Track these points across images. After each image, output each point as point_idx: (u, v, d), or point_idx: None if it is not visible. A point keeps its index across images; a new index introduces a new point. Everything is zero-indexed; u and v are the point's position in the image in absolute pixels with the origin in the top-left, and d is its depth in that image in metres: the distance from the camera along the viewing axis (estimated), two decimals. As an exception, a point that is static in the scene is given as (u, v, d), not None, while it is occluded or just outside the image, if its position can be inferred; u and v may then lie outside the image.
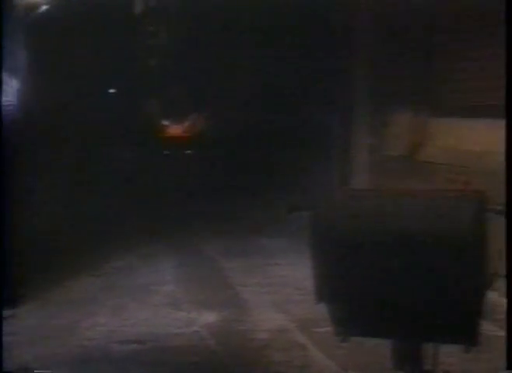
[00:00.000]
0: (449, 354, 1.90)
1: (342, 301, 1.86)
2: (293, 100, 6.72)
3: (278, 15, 6.51)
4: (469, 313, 1.83)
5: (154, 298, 4.14)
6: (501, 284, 3.92)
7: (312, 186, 6.13)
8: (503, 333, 3.38)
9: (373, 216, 1.75)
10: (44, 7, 4.72)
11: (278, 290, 4.26)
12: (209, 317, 3.76)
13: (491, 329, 3.47)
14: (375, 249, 1.76)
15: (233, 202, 6.91)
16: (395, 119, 5.19)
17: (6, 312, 3.38)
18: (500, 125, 4.17)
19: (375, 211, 1.76)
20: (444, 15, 4.66)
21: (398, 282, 1.77)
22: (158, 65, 10.23)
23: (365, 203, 1.79)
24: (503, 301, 3.81)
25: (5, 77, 3.84)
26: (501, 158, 4.09)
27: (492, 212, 1.77)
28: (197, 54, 8.55)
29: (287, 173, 6.69)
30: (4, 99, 3.82)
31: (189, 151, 9.04)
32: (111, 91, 9.12)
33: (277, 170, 6.85)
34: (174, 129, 9.49)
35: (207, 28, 8.09)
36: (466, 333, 1.87)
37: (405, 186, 4.95)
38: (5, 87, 3.83)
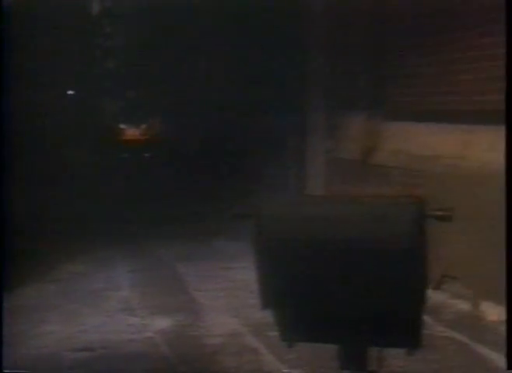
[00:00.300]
0: (396, 355, 1.93)
1: (287, 307, 1.86)
2: (248, 104, 6.74)
3: (235, 18, 6.52)
4: (411, 317, 1.85)
5: (108, 304, 4.09)
6: (452, 285, 4.02)
7: (268, 189, 6.17)
8: (451, 334, 3.48)
9: (315, 222, 1.77)
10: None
11: (233, 294, 4.25)
12: (163, 323, 3.73)
13: (440, 330, 3.55)
14: (317, 254, 1.77)
15: (189, 206, 6.89)
16: (349, 122, 5.25)
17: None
18: (450, 129, 4.30)
19: (317, 217, 1.77)
20: (397, 18, 4.74)
21: (341, 287, 1.78)
22: (115, 67, 10.11)
23: (307, 209, 1.80)
24: (453, 302, 3.92)
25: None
26: (450, 161, 4.21)
27: (432, 217, 1.80)
28: (155, 56, 8.49)
29: (243, 176, 6.70)
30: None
31: (147, 154, 8.98)
32: (69, 93, 8.96)
33: (233, 173, 6.86)
34: (132, 132, 9.40)
35: (166, 29, 8.05)
36: (408, 337, 1.89)
37: (359, 190, 5.02)
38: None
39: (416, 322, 1.89)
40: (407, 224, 1.70)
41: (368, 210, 1.75)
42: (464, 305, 3.80)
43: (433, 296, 4.05)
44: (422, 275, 1.78)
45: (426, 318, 3.85)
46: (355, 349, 1.91)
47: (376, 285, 1.75)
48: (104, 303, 4.11)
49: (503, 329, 3.47)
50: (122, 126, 9.64)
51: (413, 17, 4.53)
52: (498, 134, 3.90)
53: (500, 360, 3.08)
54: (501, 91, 3.79)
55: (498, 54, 3.81)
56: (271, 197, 1.86)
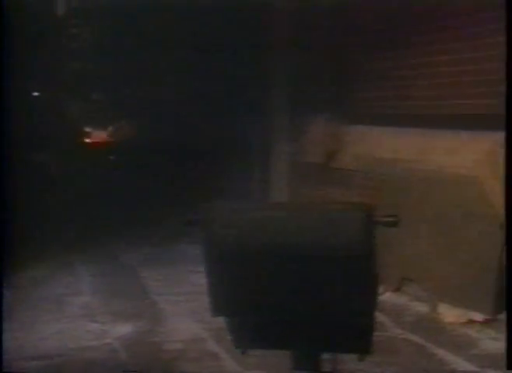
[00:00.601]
0: (355, 357, 1.94)
1: (238, 314, 1.85)
2: (213, 107, 6.72)
3: (199, 18, 6.50)
4: (361, 322, 1.86)
5: (68, 310, 4.02)
6: (411, 288, 4.06)
7: (233, 191, 6.16)
8: (409, 336, 3.51)
9: (265, 228, 1.76)
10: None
11: (196, 298, 4.22)
12: (123, 328, 3.68)
13: (399, 333, 3.58)
14: (268, 261, 1.76)
15: (154, 209, 6.83)
16: (312, 127, 5.27)
17: None
18: (409, 133, 4.34)
19: (266, 223, 1.77)
20: (360, 21, 4.77)
21: (291, 294, 1.78)
22: (81, 69, 9.96)
23: (257, 215, 1.80)
24: (412, 304, 3.96)
25: None
26: (409, 165, 4.25)
27: (380, 224, 1.81)
28: (122, 58, 8.39)
29: (208, 179, 6.67)
30: None
31: (112, 157, 8.86)
32: (35, 94, 8.80)
33: (198, 177, 6.82)
34: (97, 134, 9.26)
35: (132, 31, 7.96)
36: (359, 343, 1.90)
37: (322, 193, 5.05)
38: None
39: (367, 328, 1.90)
40: (356, 230, 1.71)
41: (317, 216, 1.75)
42: (422, 308, 3.84)
43: (393, 298, 4.09)
44: (371, 280, 1.79)
45: (386, 320, 3.89)
46: (307, 354, 1.91)
47: (326, 291, 1.75)
48: (64, 309, 4.04)
49: (460, 330, 3.54)
50: (88, 128, 9.48)
51: (376, 20, 4.57)
52: (453, 139, 3.97)
53: (456, 361, 3.13)
54: (457, 96, 3.87)
55: (457, 60, 3.88)
56: (222, 203, 1.84)
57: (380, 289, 4.09)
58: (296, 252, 1.73)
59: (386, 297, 4.05)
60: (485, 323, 3.45)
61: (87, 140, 9.31)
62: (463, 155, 3.70)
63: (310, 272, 1.74)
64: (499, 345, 3.24)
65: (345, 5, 4.72)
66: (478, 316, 3.46)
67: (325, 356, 1.95)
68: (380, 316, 3.81)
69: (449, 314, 3.57)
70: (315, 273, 1.74)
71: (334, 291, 1.76)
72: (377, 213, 1.80)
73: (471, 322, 3.48)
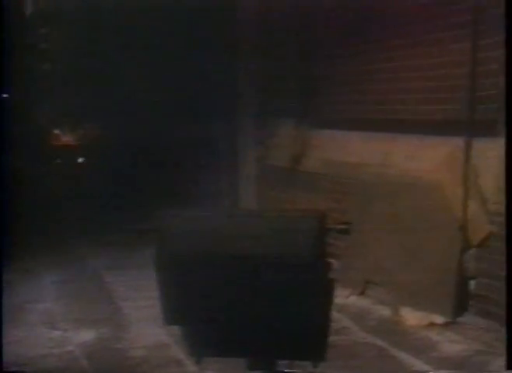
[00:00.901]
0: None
1: (190, 323, 1.84)
2: (181, 111, 6.69)
3: (167, 21, 6.46)
4: (314, 330, 1.86)
5: (29, 317, 3.95)
6: (375, 292, 4.08)
7: (200, 197, 6.13)
8: (372, 340, 3.53)
9: (218, 237, 1.75)
10: None
11: (161, 303, 4.18)
12: (86, 335, 3.63)
13: (362, 336, 3.60)
14: (220, 269, 1.75)
15: (121, 212, 6.75)
16: (279, 130, 5.28)
17: None
18: (374, 138, 4.37)
19: (220, 232, 1.76)
20: (326, 25, 4.80)
21: (243, 302, 1.77)
22: (50, 70, 9.82)
23: (209, 224, 1.79)
24: (376, 308, 3.98)
25: None
26: (374, 169, 4.28)
27: (334, 231, 1.82)
28: (91, 59, 8.30)
29: (177, 183, 6.63)
30: None
31: (81, 160, 8.76)
32: (3, 96, 8.65)
33: (166, 180, 6.78)
34: (66, 137, 9.15)
35: (101, 32, 7.88)
36: (313, 349, 1.90)
37: (290, 197, 5.05)
38: None
39: (320, 334, 1.90)
40: (307, 237, 1.71)
41: (270, 224, 1.75)
42: (385, 311, 3.87)
43: (357, 302, 4.11)
44: (323, 287, 1.79)
45: (350, 324, 3.90)
46: (261, 361, 1.91)
47: (279, 298, 1.75)
48: (26, 316, 3.96)
49: (421, 333, 3.57)
50: (57, 131, 9.35)
51: (340, 25, 4.60)
52: (416, 143, 4.01)
53: (418, 364, 3.15)
54: (420, 101, 3.91)
55: (420, 66, 3.92)
56: (174, 212, 1.83)
57: (345, 293, 4.11)
58: (248, 260, 1.73)
59: (350, 300, 4.06)
60: (446, 326, 3.49)
61: (56, 143, 9.20)
62: (425, 159, 3.74)
63: (262, 279, 1.74)
64: (458, 347, 3.28)
65: (311, 11, 4.74)
66: (439, 319, 3.49)
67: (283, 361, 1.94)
68: (344, 320, 3.83)
69: (411, 317, 3.60)
70: (268, 281, 1.74)
71: (288, 298, 1.76)
72: (330, 220, 1.81)
73: (432, 324, 3.51)
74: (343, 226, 1.79)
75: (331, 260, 1.90)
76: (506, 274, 2.28)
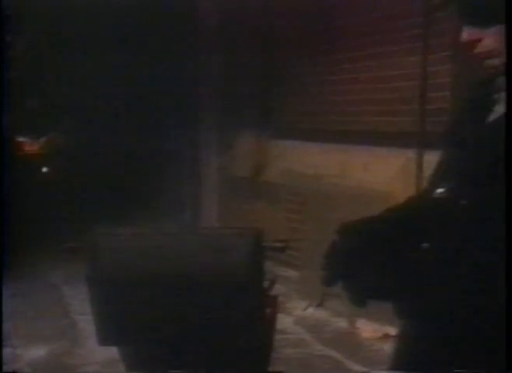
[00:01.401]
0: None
1: (125, 343, 1.80)
2: (143, 121, 6.65)
3: (132, 34, 6.43)
4: (252, 348, 1.83)
5: (-21, 334, 3.85)
6: (333, 303, 4.08)
7: (163, 208, 6.08)
8: (328, 352, 3.52)
9: (151, 255, 1.72)
10: None
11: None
12: (38, 351, 3.56)
13: (319, 349, 3.59)
14: (153, 289, 1.72)
15: (85, 223, 6.66)
16: (240, 141, 5.27)
17: None
18: (332, 149, 4.39)
19: (152, 250, 1.73)
20: (286, 35, 4.81)
21: (179, 322, 1.74)
22: (16, 78, 9.68)
23: (144, 242, 1.75)
24: (333, 320, 3.98)
25: None
26: (332, 180, 4.29)
27: (269, 249, 1.79)
28: (55, 66, 8.21)
29: (141, 192, 6.57)
30: None
31: (45, 169, 8.63)
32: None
33: (130, 191, 6.71)
34: (30, 146, 9.00)
35: (66, 38, 7.81)
36: (254, 367, 1.88)
37: (250, 207, 5.04)
38: None
39: (261, 351, 1.87)
40: (243, 255, 1.69)
41: (204, 242, 1.72)
42: (342, 323, 3.87)
43: (315, 314, 4.11)
44: (259, 306, 1.77)
45: (307, 336, 3.89)
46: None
47: (214, 318, 1.72)
48: (-24, 333, 3.87)
49: (377, 345, 3.57)
50: (20, 139, 9.20)
51: (301, 36, 4.61)
52: (371, 155, 4.03)
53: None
54: (375, 113, 3.93)
55: (374, 78, 3.95)
56: (108, 229, 1.79)
57: (303, 305, 4.10)
58: (182, 279, 1.70)
59: (308, 313, 4.06)
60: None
61: (19, 151, 9.04)
62: (380, 171, 3.75)
63: (197, 298, 1.71)
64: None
65: (270, 25, 4.75)
66: (393, 330, 3.50)
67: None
68: (301, 332, 3.82)
69: (366, 329, 3.60)
70: (203, 300, 1.71)
71: (223, 316, 1.73)
72: (266, 238, 1.79)
73: (386, 336, 3.52)
74: (280, 244, 1.77)
75: (275, 276, 1.89)
76: (506, 274, 2.28)
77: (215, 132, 5.61)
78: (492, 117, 1.28)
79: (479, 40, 1.27)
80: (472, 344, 1.25)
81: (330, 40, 4.20)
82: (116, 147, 6.95)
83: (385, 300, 1.37)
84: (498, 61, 1.26)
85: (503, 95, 1.27)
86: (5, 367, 3.40)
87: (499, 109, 1.26)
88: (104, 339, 1.80)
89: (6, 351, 3.57)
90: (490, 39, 1.26)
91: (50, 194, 7.79)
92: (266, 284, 1.96)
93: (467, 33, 1.27)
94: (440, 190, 1.32)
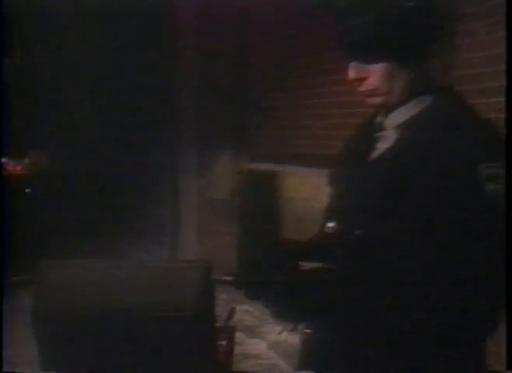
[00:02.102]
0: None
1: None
2: (126, 142, 6.66)
3: (114, 54, 6.45)
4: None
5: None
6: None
7: (144, 228, 6.05)
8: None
9: (99, 288, 1.68)
10: None
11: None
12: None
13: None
14: (100, 323, 1.68)
15: (69, 242, 6.61)
16: (219, 164, 5.27)
17: None
18: (306, 172, 4.38)
19: (102, 283, 1.69)
20: (260, 60, 4.84)
21: (125, 358, 1.71)
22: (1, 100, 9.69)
23: (91, 275, 1.72)
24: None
25: None
26: (307, 203, 4.28)
27: (220, 283, 1.77)
28: (38, 86, 8.23)
29: (122, 213, 6.56)
30: None
31: (28, 190, 8.57)
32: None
33: (109, 212, 6.69)
34: (12, 166, 8.96)
35: (52, 62, 7.83)
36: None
37: (227, 229, 5.01)
38: None
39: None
40: (192, 289, 1.66)
41: (154, 275, 1.70)
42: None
43: (289, 338, 4.05)
44: (208, 340, 1.74)
45: (280, 362, 3.83)
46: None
47: (164, 352, 1.69)
48: None
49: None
50: (3, 159, 9.16)
51: (274, 60, 4.65)
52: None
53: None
54: (339, 137, 3.94)
55: (352, 102, 3.96)
56: (55, 262, 1.76)
57: (277, 329, 4.05)
58: (130, 313, 1.67)
59: (282, 337, 4.00)
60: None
61: (2, 172, 9.00)
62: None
63: (145, 333, 1.68)
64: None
65: (248, 60, 4.79)
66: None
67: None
68: (274, 357, 3.78)
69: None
70: (151, 334, 1.68)
71: (171, 352, 1.70)
72: (216, 271, 1.76)
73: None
74: (229, 278, 1.75)
75: (233, 307, 1.86)
76: (506, 273, 2.27)
77: (195, 154, 5.62)
78: (375, 154, 1.30)
79: (365, 79, 1.27)
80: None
81: (301, 64, 4.22)
82: (96, 167, 6.95)
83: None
84: (380, 100, 1.28)
85: (384, 132, 1.30)
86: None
87: (383, 145, 1.29)
88: (47, 369, 1.76)
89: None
90: (375, 77, 1.26)
91: (31, 214, 7.76)
92: (224, 315, 1.93)
93: (353, 71, 1.28)
94: (331, 224, 1.38)
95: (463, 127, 1.22)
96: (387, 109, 1.29)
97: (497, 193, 1.16)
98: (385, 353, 1.29)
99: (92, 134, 7.19)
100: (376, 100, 1.29)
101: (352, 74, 1.28)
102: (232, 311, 2.02)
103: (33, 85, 8.45)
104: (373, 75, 1.26)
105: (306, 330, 1.62)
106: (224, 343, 1.91)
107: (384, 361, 1.30)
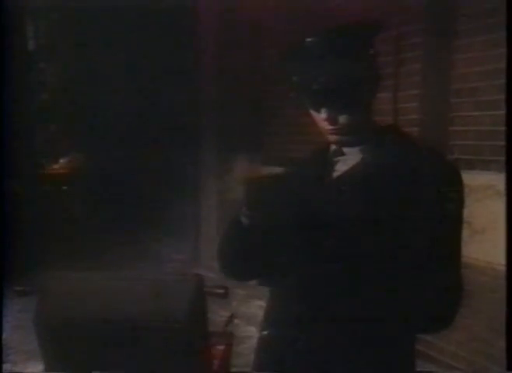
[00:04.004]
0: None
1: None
2: (157, 147, 6.74)
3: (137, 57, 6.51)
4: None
5: (-15, 349, 3.84)
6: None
7: (168, 227, 6.09)
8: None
9: (95, 299, 1.67)
10: None
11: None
12: (35, 368, 3.53)
13: None
14: (97, 333, 1.68)
15: (103, 238, 6.68)
16: (235, 166, 5.27)
17: None
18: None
19: (97, 294, 1.68)
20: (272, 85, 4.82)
21: (118, 362, 1.70)
22: (45, 102, 9.85)
23: (88, 286, 1.71)
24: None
25: None
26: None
27: (210, 295, 1.74)
28: (79, 91, 8.35)
29: (145, 214, 6.61)
30: None
31: (65, 187, 8.75)
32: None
33: (136, 210, 6.76)
34: (51, 166, 9.19)
35: (94, 69, 7.94)
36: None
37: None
38: None
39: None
40: (184, 301, 1.64)
41: (148, 287, 1.68)
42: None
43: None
44: (201, 352, 1.72)
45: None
46: None
47: (156, 361, 1.68)
48: (-19, 348, 3.85)
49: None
50: (44, 160, 9.39)
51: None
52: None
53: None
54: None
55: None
56: (58, 272, 1.76)
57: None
58: (124, 324, 1.65)
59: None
60: None
61: (43, 171, 9.17)
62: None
63: (139, 344, 1.67)
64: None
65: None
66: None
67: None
68: None
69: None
70: (144, 345, 1.67)
71: (163, 364, 1.69)
72: (207, 283, 1.74)
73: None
74: (220, 290, 1.72)
75: (232, 314, 1.84)
76: (506, 273, 2.24)
77: (215, 156, 5.62)
78: (335, 174, 1.46)
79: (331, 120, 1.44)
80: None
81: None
82: (125, 170, 7.03)
83: None
84: (335, 138, 1.46)
85: (340, 158, 1.46)
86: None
87: (341, 167, 1.45)
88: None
89: (5, 366, 3.56)
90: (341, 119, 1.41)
91: (68, 209, 7.88)
92: (224, 320, 1.91)
93: (324, 114, 1.44)
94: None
95: (411, 156, 1.39)
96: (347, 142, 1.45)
97: (450, 213, 1.34)
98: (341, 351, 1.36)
99: (122, 137, 7.26)
100: (333, 137, 1.46)
101: (322, 116, 1.44)
102: (230, 318, 2.00)
103: (70, 90, 8.59)
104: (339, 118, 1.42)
105: (264, 332, 1.63)
106: (222, 347, 1.89)
107: (342, 360, 1.35)
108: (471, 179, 3.04)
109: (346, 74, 1.37)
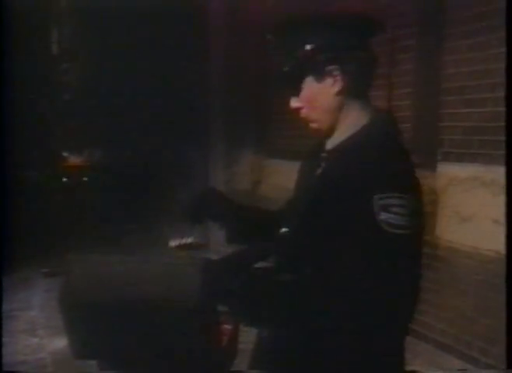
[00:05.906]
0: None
1: (93, 357, 1.77)
2: (169, 140, 6.74)
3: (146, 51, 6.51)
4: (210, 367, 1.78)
5: (13, 324, 3.86)
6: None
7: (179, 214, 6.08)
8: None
9: (113, 281, 1.67)
10: None
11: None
12: (59, 343, 3.55)
13: None
14: (115, 312, 1.68)
15: (120, 229, 6.69)
16: (241, 158, 5.25)
17: None
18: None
19: (115, 276, 1.68)
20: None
21: (136, 344, 1.70)
22: (67, 101, 9.88)
23: (109, 269, 1.71)
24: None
25: None
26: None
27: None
28: (98, 90, 8.36)
29: (159, 201, 6.62)
30: None
31: (85, 179, 8.79)
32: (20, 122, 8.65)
33: (155, 198, 6.78)
34: (73, 159, 9.25)
35: (112, 68, 7.93)
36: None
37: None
38: None
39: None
40: (192, 283, 1.64)
41: (158, 269, 1.68)
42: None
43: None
44: (211, 330, 1.72)
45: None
46: None
47: (168, 339, 1.68)
48: (10, 324, 3.88)
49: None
50: (65, 153, 9.48)
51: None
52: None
53: None
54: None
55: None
56: (82, 255, 1.76)
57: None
58: (139, 304, 1.66)
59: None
60: None
61: (65, 163, 9.21)
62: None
63: (154, 321, 1.67)
64: None
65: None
66: None
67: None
68: None
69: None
70: (160, 323, 1.67)
71: (173, 344, 1.68)
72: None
73: None
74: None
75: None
76: (506, 273, 2.21)
77: (222, 148, 5.61)
78: (319, 170, 1.35)
79: (300, 108, 1.32)
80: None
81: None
82: (140, 163, 7.04)
83: None
84: (317, 125, 1.31)
85: (324, 154, 1.34)
86: (29, 357, 3.41)
87: (323, 165, 1.34)
88: (76, 354, 1.77)
89: (32, 341, 3.59)
90: (307, 108, 1.30)
91: (88, 200, 7.92)
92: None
93: (291, 102, 1.33)
94: (284, 229, 1.38)
95: (374, 158, 1.21)
96: (325, 134, 1.34)
97: (388, 222, 1.13)
98: (329, 352, 1.26)
99: (137, 132, 7.26)
100: (314, 125, 1.33)
101: (291, 104, 1.33)
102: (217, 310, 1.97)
103: (91, 88, 8.59)
104: (305, 106, 1.29)
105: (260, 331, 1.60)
106: (229, 326, 1.89)
107: (330, 361, 1.27)
108: (459, 171, 3.05)
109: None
